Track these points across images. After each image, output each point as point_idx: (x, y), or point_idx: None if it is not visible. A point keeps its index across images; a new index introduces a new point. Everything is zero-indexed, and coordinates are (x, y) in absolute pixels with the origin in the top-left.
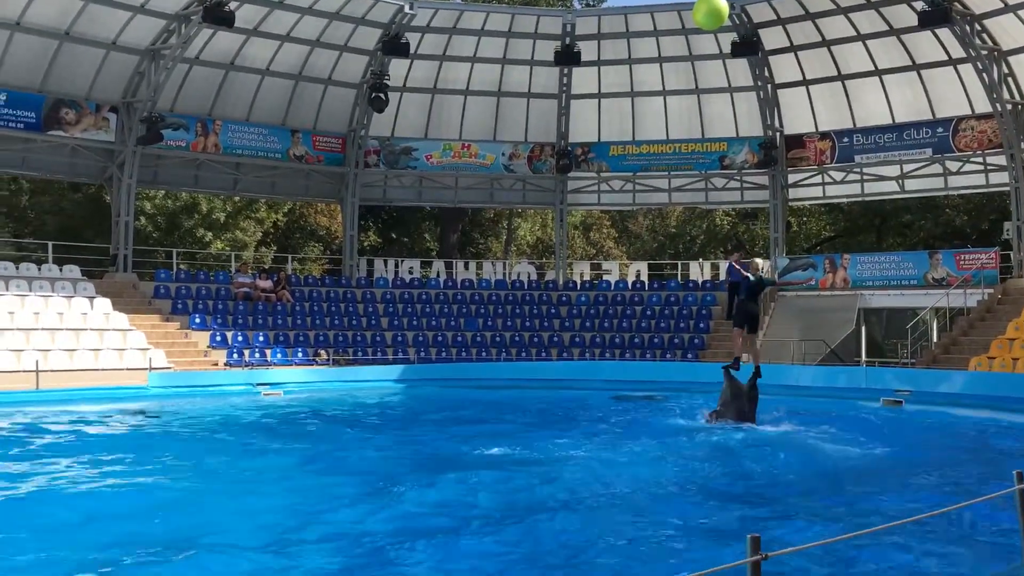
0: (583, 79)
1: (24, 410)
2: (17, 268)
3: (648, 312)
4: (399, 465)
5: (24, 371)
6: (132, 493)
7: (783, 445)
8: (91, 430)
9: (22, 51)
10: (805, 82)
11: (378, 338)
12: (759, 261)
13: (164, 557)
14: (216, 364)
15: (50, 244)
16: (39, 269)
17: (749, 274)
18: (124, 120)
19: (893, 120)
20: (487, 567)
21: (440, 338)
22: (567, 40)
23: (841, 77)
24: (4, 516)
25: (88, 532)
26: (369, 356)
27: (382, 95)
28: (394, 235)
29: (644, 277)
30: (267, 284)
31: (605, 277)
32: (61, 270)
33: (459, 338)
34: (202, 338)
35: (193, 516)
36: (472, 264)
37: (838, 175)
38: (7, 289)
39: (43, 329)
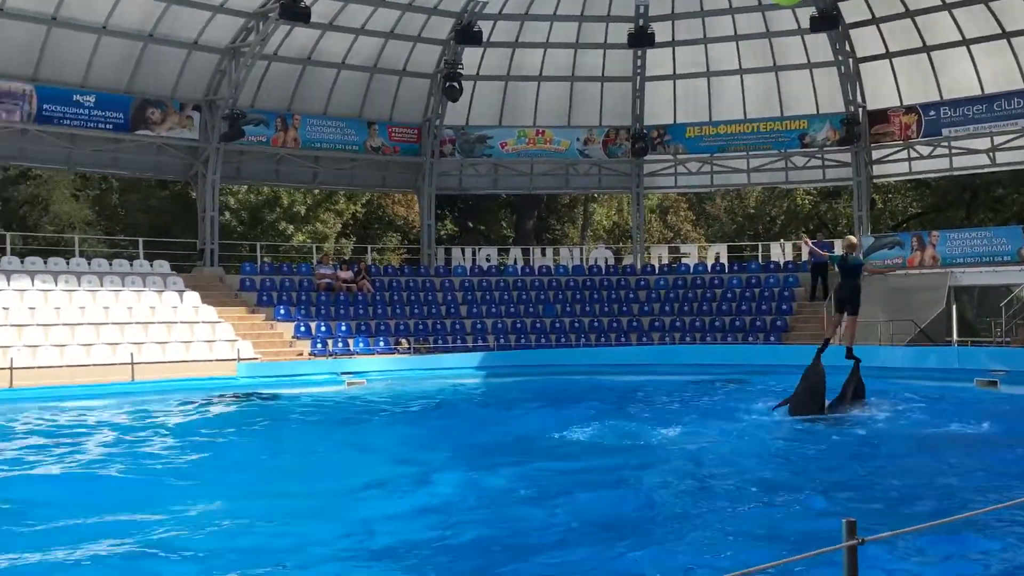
0: (657, 60)
1: (133, 400)
2: (111, 264)
3: (729, 295)
4: (492, 448)
5: (120, 364)
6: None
7: (875, 428)
8: (199, 417)
9: (109, 54)
10: (888, 55)
11: (457, 326)
12: (852, 238)
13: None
14: (301, 354)
15: (140, 241)
16: (131, 265)
17: (831, 253)
18: (207, 118)
19: (982, 91)
20: (568, 549)
21: (519, 325)
22: (640, 22)
23: (926, 48)
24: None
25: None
26: (449, 344)
27: (456, 84)
28: (470, 223)
29: (724, 259)
30: (348, 275)
31: (684, 260)
32: (152, 265)
33: (538, 324)
34: (287, 329)
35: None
36: (549, 250)
37: (925, 150)
38: (101, 285)
39: (136, 323)
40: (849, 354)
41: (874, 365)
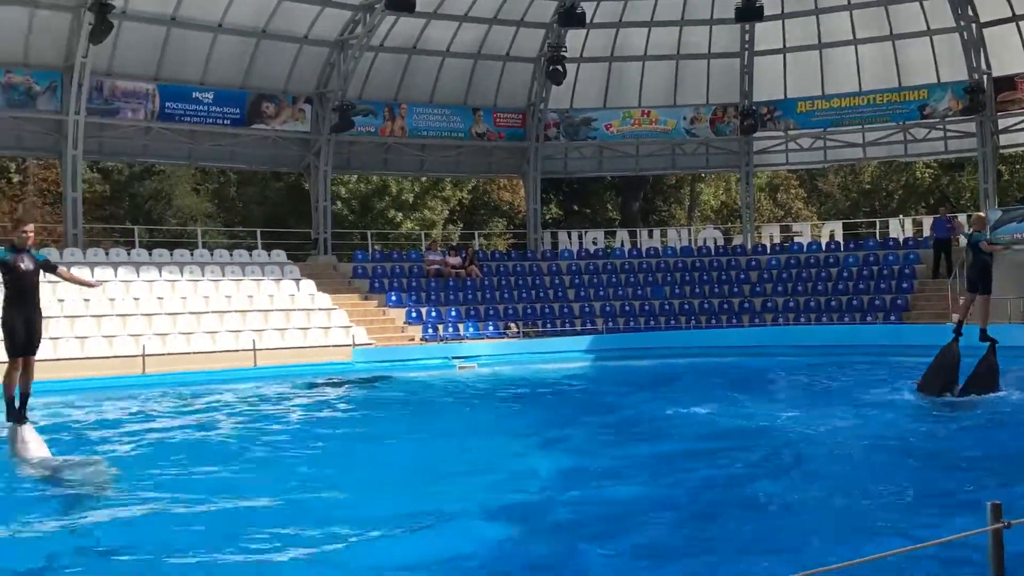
0: (766, 34)
1: (257, 385)
2: (231, 255)
3: (845, 273)
4: (604, 430)
5: (243, 350)
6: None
7: (1010, 408)
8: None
9: (225, 52)
10: (1015, 17)
11: (566, 310)
12: (981, 214)
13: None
14: (412, 339)
15: (258, 231)
16: (250, 255)
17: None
18: (318, 110)
19: None
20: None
21: (627, 308)
22: None
23: None
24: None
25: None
26: (558, 328)
27: (560, 67)
28: (575, 207)
29: (839, 237)
30: (456, 260)
31: (796, 239)
32: (269, 255)
33: (646, 307)
34: (399, 315)
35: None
36: (656, 232)
37: None
38: (223, 275)
39: (257, 311)
40: (983, 336)
41: (1006, 344)
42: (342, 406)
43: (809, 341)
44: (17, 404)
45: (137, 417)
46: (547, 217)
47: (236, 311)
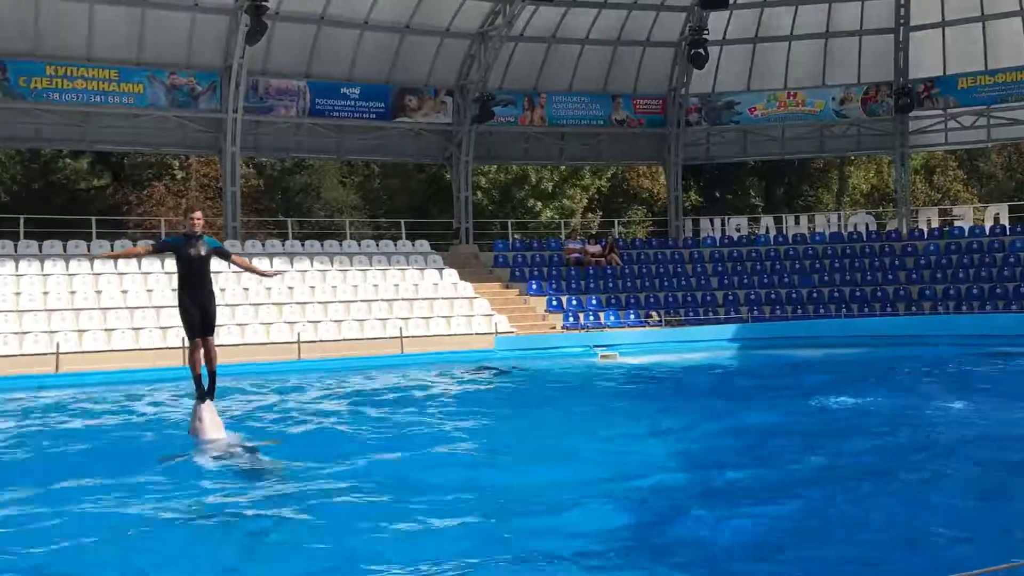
0: (923, 8)
1: (406, 372)
2: (377, 245)
3: (1011, 259)
4: (752, 420)
5: (389, 338)
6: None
7: None
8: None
9: (370, 47)
10: None
11: (708, 298)
12: None
13: None
14: (553, 327)
15: (402, 222)
16: (395, 245)
17: None
18: (459, 102)
19: None
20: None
21: (773, 296)
22: None
23: None
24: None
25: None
26: (700, 316)
27: (702, 51)
28: (717, 193)
29: (1004, 220)
30: (596, 249)
31: (957, 223)
32: (413, 245)
33: (794, 295)
34: (539, 303)
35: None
36: (803, 217)
37: None
38: (370, 264)
39: (403, 299)
40: None
41: None
42: (492, 392)
43: (972, 330)
44: (205, 384)
45: (300, 401)
46: (686, 204)
47: (383, 300)
